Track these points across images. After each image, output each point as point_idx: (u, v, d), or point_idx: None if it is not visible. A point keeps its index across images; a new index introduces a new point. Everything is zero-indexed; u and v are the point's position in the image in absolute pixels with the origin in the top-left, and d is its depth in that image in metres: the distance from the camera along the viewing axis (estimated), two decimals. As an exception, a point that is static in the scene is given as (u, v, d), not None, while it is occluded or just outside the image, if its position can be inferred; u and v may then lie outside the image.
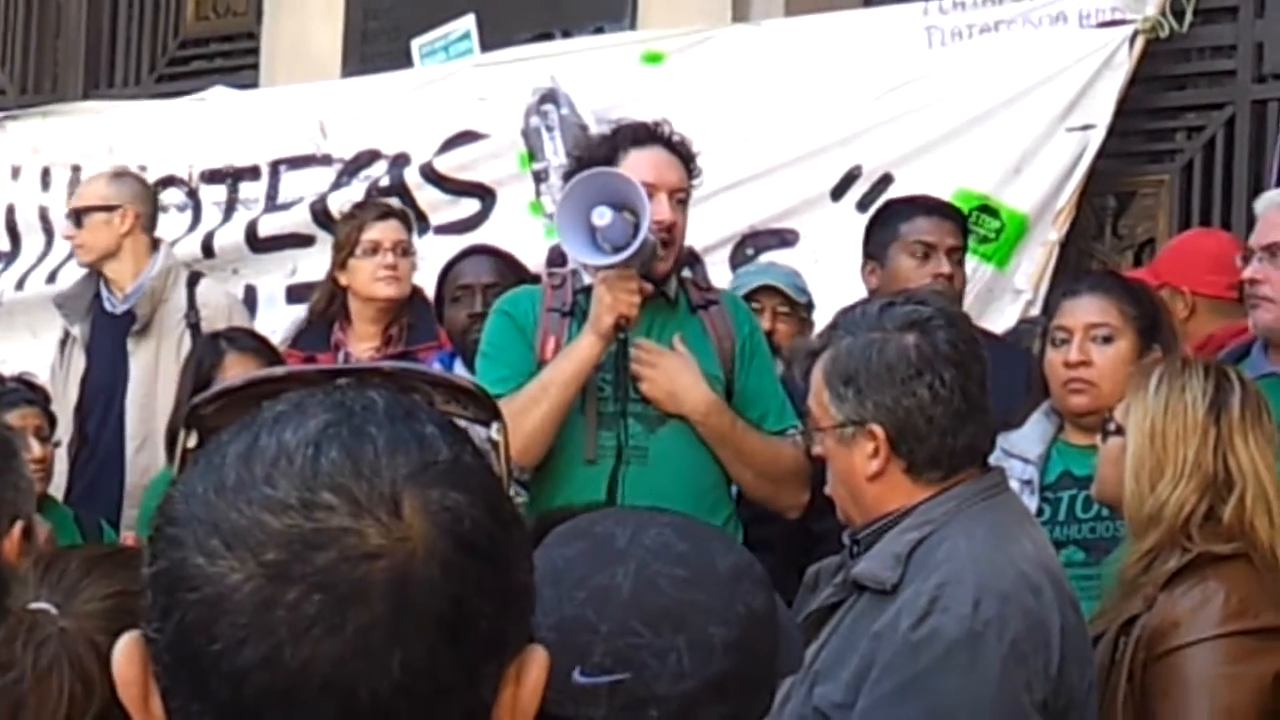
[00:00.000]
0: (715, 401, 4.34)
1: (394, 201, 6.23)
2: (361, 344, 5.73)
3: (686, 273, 4.67)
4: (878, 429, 3.06)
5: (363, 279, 5.68)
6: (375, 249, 5.67)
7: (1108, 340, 4.21)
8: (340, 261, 5.74)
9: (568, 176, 4.56)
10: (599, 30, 6.72)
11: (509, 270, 5.25)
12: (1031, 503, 4.26)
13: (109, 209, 6.13)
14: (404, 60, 6.96)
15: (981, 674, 2.92)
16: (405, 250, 5.71)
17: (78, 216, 6.14)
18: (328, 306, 5.85)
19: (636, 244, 4.17)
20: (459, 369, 5.26)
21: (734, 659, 1.70)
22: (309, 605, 1.11)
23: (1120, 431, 3.46)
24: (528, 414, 4.30)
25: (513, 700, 1.19)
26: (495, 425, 1.27)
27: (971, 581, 2.97)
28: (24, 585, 1.98)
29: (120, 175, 6.43)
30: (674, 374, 4.33)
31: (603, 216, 4.18)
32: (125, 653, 1.19)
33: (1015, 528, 3.14)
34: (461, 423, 1.25)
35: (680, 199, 4.44)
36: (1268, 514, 3.34)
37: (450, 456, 1.18)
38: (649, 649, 1.67)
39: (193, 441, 1.23)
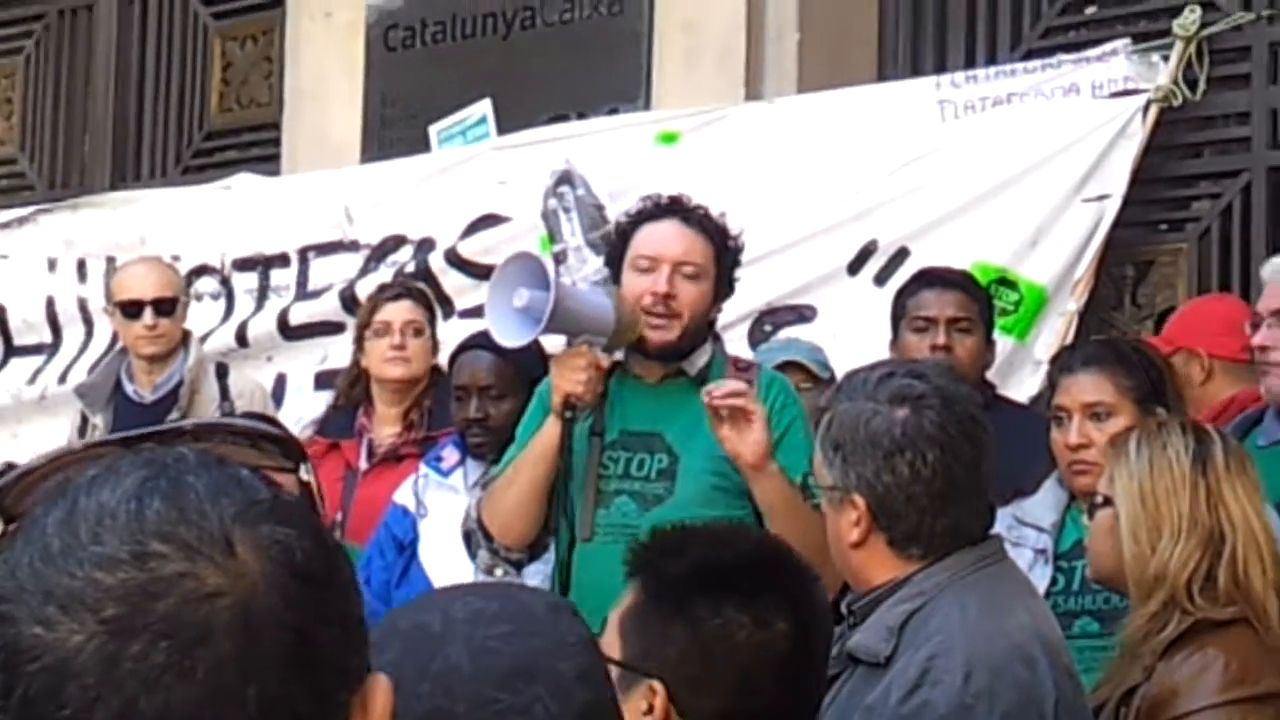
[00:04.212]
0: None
1: (419, 284, 6.28)
2: (384, 428, 5.74)
3: (730, 349, 4.71)
4: (859, 499, 3.06)
5: (375, 360, 5.72)
6: (386, 329, 5.70)
7: (1106, 417, 4.19)
8: (358, 343, 5.79)
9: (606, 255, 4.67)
10: (614, 111, 6.75)
11: (508, 366, 5.15)
12: (1046, 572, 4.24)
13: (177, 299, 6.21)
14: (422, 145, 7.02)
15: (973, 747, 2.90)
16: (418, 331, 5.72)
17: (156, 306, 6.14)
18: (351, 389, 5.88)
19: (542, 324, 4.25)
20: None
21: (589, 688, 1.72)
22: (156, 654, 1.12)
23: (1108, 503, 3.44)
24: (503, 495, 4.42)
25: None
26: (304, 467, 1.29)
27: (962, 653, 2.95)
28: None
29: (170, 265, 6.50)
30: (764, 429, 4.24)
31: (520, 298, 4.28)
32: None
33: (1010, 598, 3.12)
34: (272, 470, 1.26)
35: (688, 273, 4.45)
36: (1260, 564, 3.32)
37: (270, 495, 1.20)
38: (512, 710, 1.67)
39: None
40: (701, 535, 2.60)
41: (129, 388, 6.22)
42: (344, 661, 1.20)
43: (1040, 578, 4.13)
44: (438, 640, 1.70)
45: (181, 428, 1.29)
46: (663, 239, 4.47)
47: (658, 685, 2.43)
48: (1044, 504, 4.32)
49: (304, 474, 1.31)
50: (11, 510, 1.26)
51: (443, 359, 5.72)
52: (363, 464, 5.68)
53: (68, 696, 1.12)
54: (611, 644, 2.47)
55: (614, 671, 2.39)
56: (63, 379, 7.40)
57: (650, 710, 2.43)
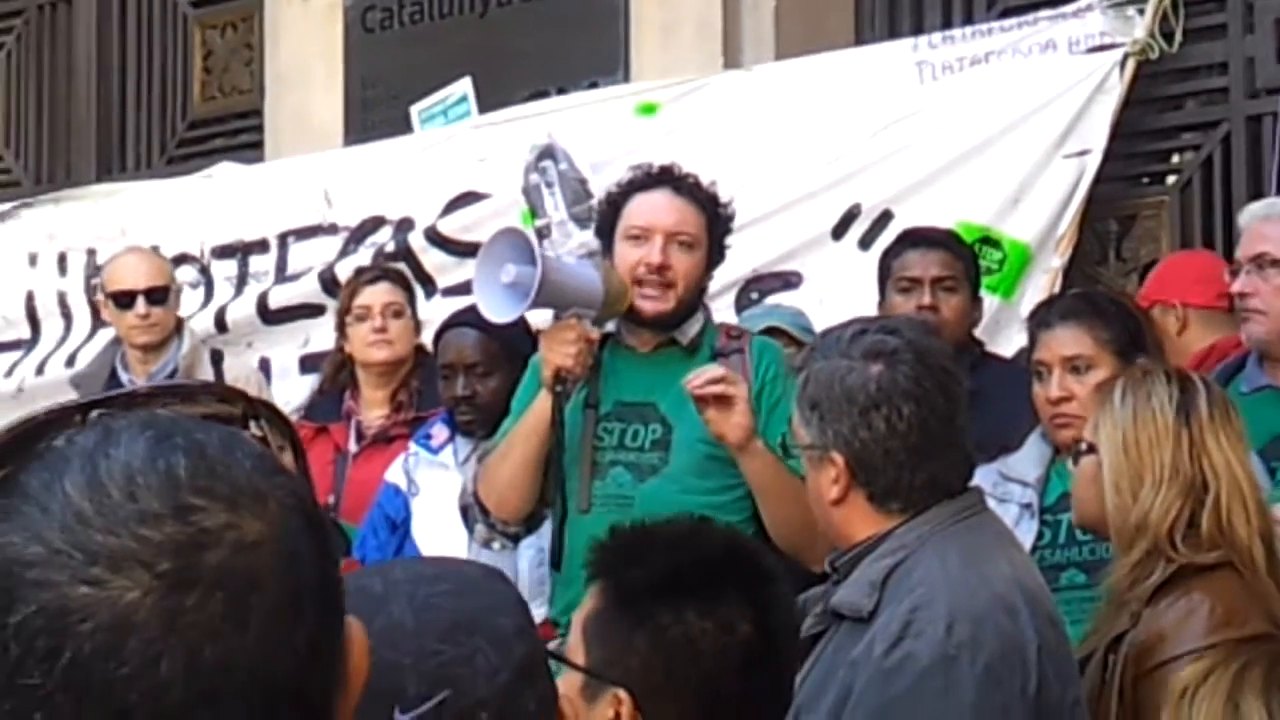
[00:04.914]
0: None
1: (400, 265, 6.28)
2: (371, 411, 5.75)
3: (717, 318, 4.72)
4: (837, 456, 3.07)
5: (357, 344, 5.73)
6: (366, 314, 5.71)
7: (1085, 370, 4.19)
8: (339, 328, 5.79)
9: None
10: (593, 85, 6.75)
11: (493, 343, 5.14)
12: (1032, 526, 4.26)
13: (169, 288, 6.23)
14: (404, 126, 7.00)
15: (956, 699, 2.90)
16: (397, 312, 5.73)
17: (148, 295, 6.15)
18: (336, 374, 5.89)
19: (530, 298, 4.27)
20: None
21: (527, 641, 1.76)
22: (213, 604, 1.15)
23: (1092, 450, 3.45)
24: (497, 469, 4.44)
25: (353, 663, 1.26)
26: (254, 423, 1.30)
27: (944, 605, 2.95)
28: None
29: (160, 255, 6.51)
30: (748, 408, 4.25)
31: (508, 273, 4.29)
32: None
33: (991, 549, 3.12)
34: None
35: (683, 240, 4.46)
36: (1244, 512, 3.33)
37: (263, 448, 1.26)
38: (455, 661, 1.71)
39: None
40: (663, 537, 2.59)
41: (124, 377, 6.22)
42: (341, 599, 1.26)
43: (1026, 532, 4.15)
44: (380, 599, 1.74)
45: (134, 392, 1.29)
46: (655, 209, 4.48)
47: (623, 694, 2.43)
48: (1028, 459, 4.34)
49: (254, 429, 1.32)
50: None
51: (427, 337, 5.72)
52: (352, 446, 5.69)
53: (129, 652, 1.13)
54: (576, 649, 2.50)
55: (579, 678, 2.43)
56: (40, 370, 7.39)
57: (617, 718, 2.43)
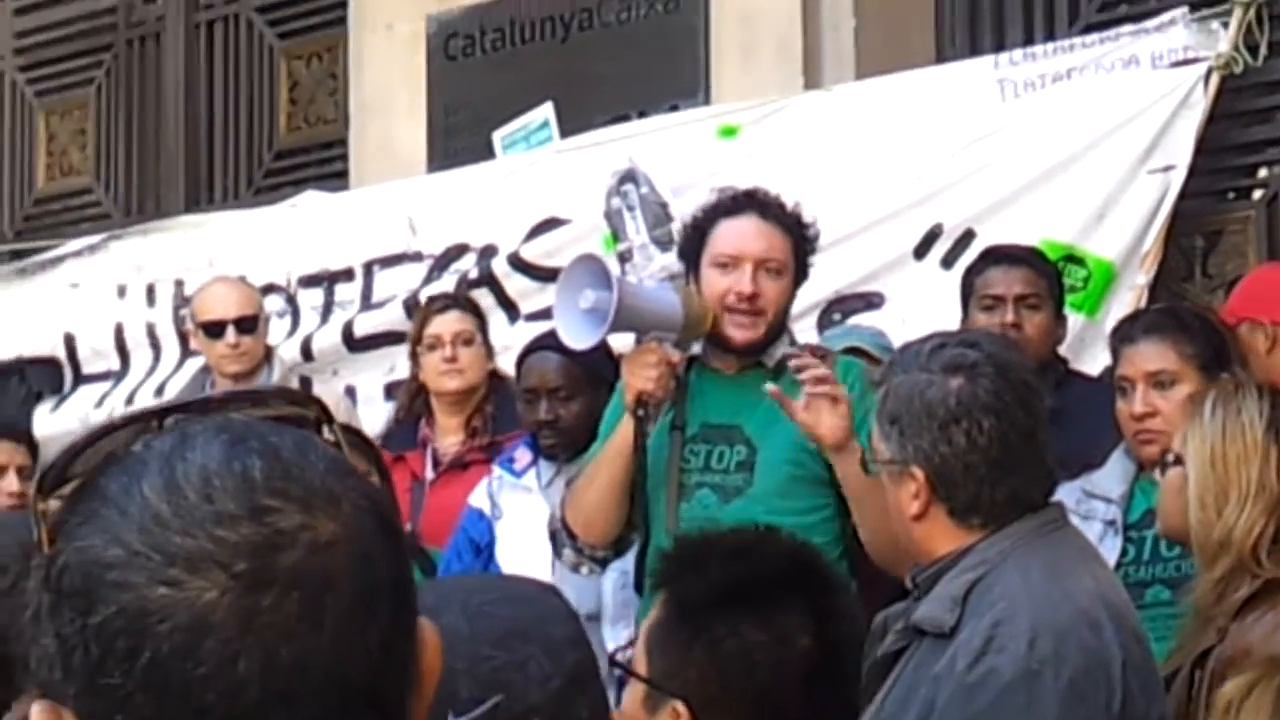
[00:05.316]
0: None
1: (479, 290, 6.31)
2: (446, 438, 5.79)
3: (799, 339, 4.71)
4: (918, 471, 3.05)
5: (430, 373, 5.78)
6: (437, 343, 5.75)
7: (1169, 385, 4.16)
8: (412, 356, 5.83)
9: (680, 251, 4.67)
10: (674, 108, 6.75)
11: (575, 367, 5.15)
12: (1116, 543, 4.22)
13: (259, 317, 6.28)
14: (486, 153, 7.03)
15: (1040, 714, 2.88)
16: (468, 340, 5.76)
17: (238, 325, 6.20)
18: (411, 403, 5.94)
19: (607, 323, 4.26)
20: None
21: (580, 650, 1.77)
22: (289, 604, 1.16)
23: (1180, 461, 3.42)
24: (584, 494, 4.46)
25: (426, 663, 1.28)
26: (326, 428, 1.31)
27: (1026, 620, 2.93)
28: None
29: (249, 284, 6.56)
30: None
31: (586, 299, 4.31)
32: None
33: (1074, 563, 3.10)
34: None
35: (771, 268, 4.45)
36: None
37: (335, 451, 1.27)
38: (509, 666, 1.73)
39: (48, 504, 1.24)
40: (724, 547, 2.58)
41: (216, 404, 6.25)
42: (415, 599, 1.27)
43: (1110, 549, 4.11)
44: (433, 610, 1.74)
45: (210, 398, 1.31)
46: (743, 235, 4.48)
47: (681, 707, 2.44)
48: (1112, 475, 4.30)
49: (326, 434, 1.33)
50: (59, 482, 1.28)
51: (510, 362, 5.74)
52: (429, 474, 5.71)
53: (206, 652, 1.15)
54: (640, 659, 2.51)
55: (641, 688, 2.42)
56: (130, 401, 7.44)
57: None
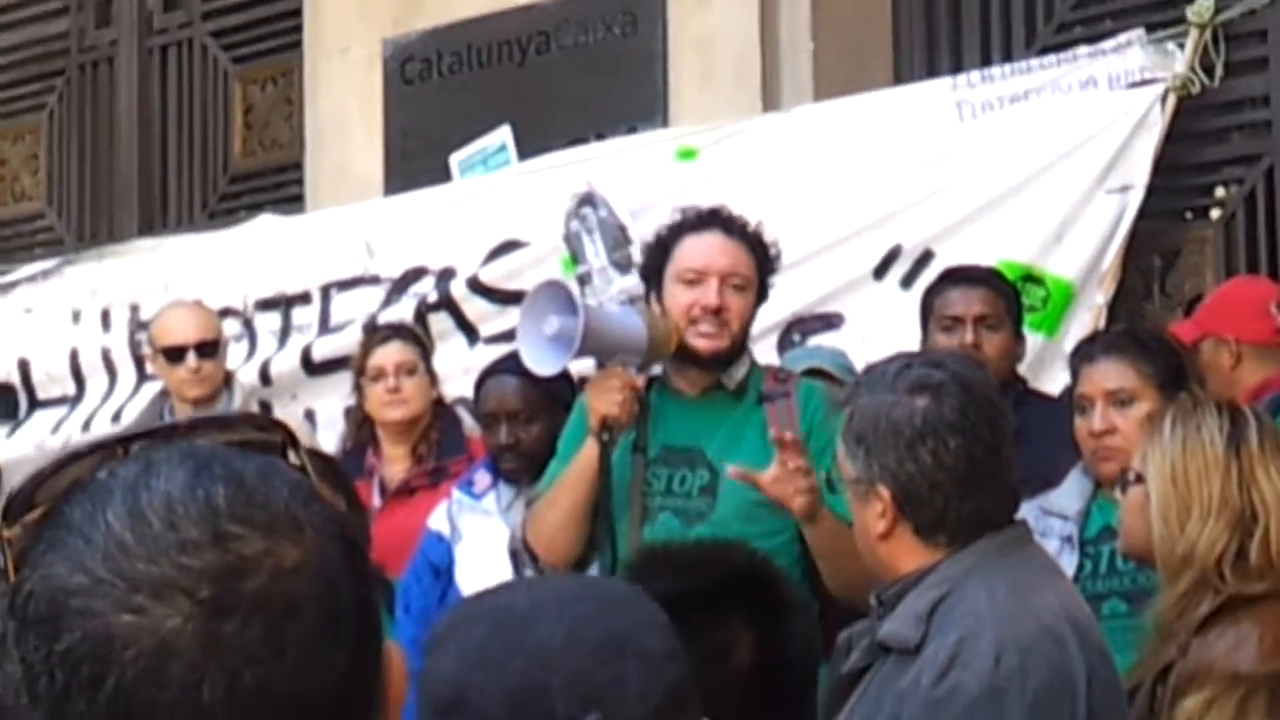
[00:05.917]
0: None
1: (423, 320, 6.30)
2: (394, 466, 5.80)
3: (764, 362, 4.70)
4: (884, 490, 3.06)
5: (374, 404, 5.80)
6: (380, 374, 5.77)
7: (1128, 403, 4.18)
8: (356, 388, 5.83)
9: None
10: (632, 130, 6.75)
11: (534, 390, 5.15)
12: (1073, 559, 4.24)
13: (219, 341, 6.26)
14: (444, 176, 7.00)
15: (1006, 729, 2.87)
16: (410, 370, 5.79)
17: (199, 349, 6.17)
18: (358, 432, 5.94)
19: (573, 349, 4.30)
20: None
21: (678, 665, 1.71)
22: (252, 629, 1.17)
23: (1140, 480, 3.42)
24: (546, 516, 4.46)
25: (391, 686, 1.29)
26: (292, 452, 1.31)
27: (991, 636, 2.94)
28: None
29: (209, 308, 6.53)
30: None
31: (550, 325, 4.31)
32: None
33: (1038, 580, 3.11)
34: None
35: (736, 283, 4.48)
36: None
37: (300, 476, 1.28)
38: (606, 681, 1.67)
39: (14, 531, 1.24)
40: (679, 559, 2.56)
41: (175, 430, 6.22)
42: (380, 621, 1.28)
43: (1068, 564, 4.13)
44: (526, 618, 1.71)
45: (176, 424, 1.31)
46: (709, 251, 4.51)
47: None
48: (1069, 493, 4.33)
49: (292, 458, 1.32)
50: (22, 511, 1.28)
51: (470, 385, 5.73)
52: (376, 502, 5.70)
53: (170, 677, 1.16)
54: None
55: None
56: (86, 426, 7.41)
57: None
